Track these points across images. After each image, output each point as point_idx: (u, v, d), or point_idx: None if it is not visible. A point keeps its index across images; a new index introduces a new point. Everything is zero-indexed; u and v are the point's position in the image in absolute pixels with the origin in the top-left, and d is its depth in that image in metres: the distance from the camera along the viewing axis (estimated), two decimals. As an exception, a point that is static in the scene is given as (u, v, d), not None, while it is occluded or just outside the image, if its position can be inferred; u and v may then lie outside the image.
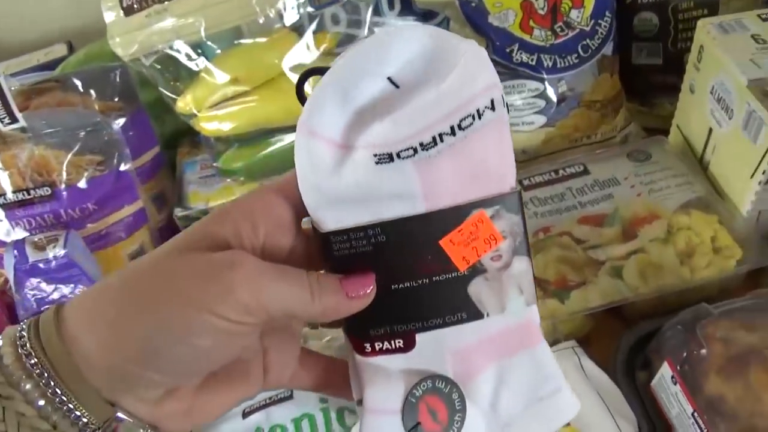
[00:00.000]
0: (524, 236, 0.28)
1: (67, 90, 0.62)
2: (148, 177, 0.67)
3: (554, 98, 0.62)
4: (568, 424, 0.42)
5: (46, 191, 0.57)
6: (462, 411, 0.29)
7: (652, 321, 0.49)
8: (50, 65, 0.78)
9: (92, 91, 0.62)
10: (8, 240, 0.57)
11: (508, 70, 0.62)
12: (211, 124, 0.62)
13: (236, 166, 0.65)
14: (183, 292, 0.25)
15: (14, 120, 0.54)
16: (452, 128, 0.26)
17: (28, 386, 0.25)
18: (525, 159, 0.65)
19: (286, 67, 0.60)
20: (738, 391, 0.40)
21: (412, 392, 0.29)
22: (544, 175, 0.60)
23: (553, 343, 0.48)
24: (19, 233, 0.57)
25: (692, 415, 0.41)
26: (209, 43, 0.59)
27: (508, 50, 0.61)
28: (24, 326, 0.26)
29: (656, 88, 0.69)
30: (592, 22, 0.62)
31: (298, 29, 0.60)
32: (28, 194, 0.57)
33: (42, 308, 0.54)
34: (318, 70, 0.27)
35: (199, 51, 0.59)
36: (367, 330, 0.29)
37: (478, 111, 0.26)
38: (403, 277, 0.28)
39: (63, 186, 0.57)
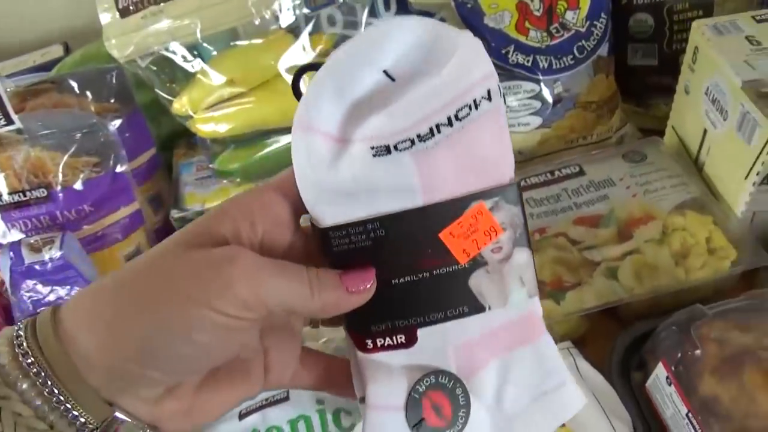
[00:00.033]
0: (524, 227, 0.28)
1: (63, 91, 0.62)
2: (145, 178, 0.67)
3: (550, 99, 0.62)
4: (564, 425, 0.42)
5: (42, 193, 0.57)
6: (466, 406, 0.29)
7: (647, 322, 0.49)
8: (46, 66, 0.78)
9: (88, 93, 0.62)
10: (4, 242, 0.57)
11: (503, 71, 0.62)
12: (207, 126, 0.62)
13: (232, 167, 0.65)
14: (181, 289, 0.25)
15: (10, 121, 0.54)
16: (449, 119, 0.26)
17: (24, 386, 0.24)
18: (521, 160, 0.65)
19: (282, 68, 0.60)
20: (732, 391, 0.40)
21: (415, 388, 0.28)
22: (540, 176, 0.60)
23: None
24: (15, 235, 0.57)
25: (687, 415, 0.41)
26: (205, 44, 0.59)
27: (503, 51, 0.61)
28: (21, 326, 0.26)
29: (652, 89, 0.69)
30: (588, 23, 0.62)
31: (294, 31, 0.60)
32: (24, 196, 0.57)
33: (38, 310, 0.53)
34: (313, 66, 0.27)
35: (195, 52, 0.59)
36: (368, 326, 0.28)
37: (474, 101, 0.26)
38: (404, 272, 0.28)
39: (59, 188, 0.57)
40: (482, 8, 0.61)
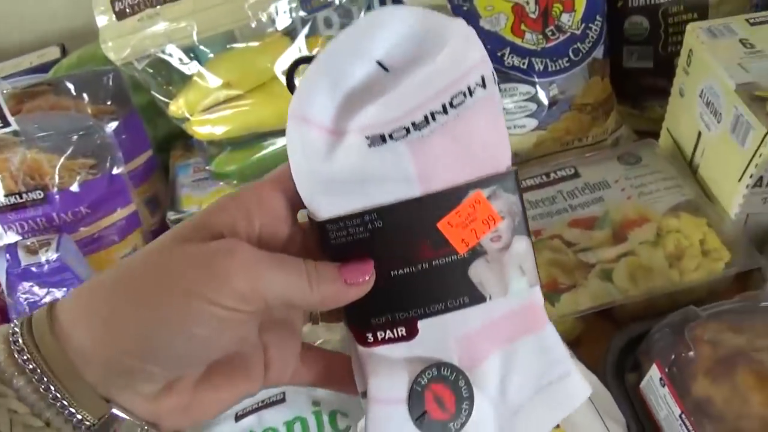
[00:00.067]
0: (523, 216, 0.28)
1: (60, 93, 0.62)
2: (141, 180, 0.67)
3: (546, 101, 0.63)
4: (558, 426, 0.43)
5: (38, 195, 0.57)
6: (469, 399, 0.28)
7: (642, 323, 0.49)
8: (43, 68, 0.78)
9: (85, 95, 0.62)
10: (0, 244, 0.57)
11: (499, 73, 0.61)
12: (203, 128, 0.62)
13: (229, 169, 0.65)
14: (178, 282, 0.24)
15: (6, 124, 0.54)
16: (444, 107, 0.26)
17: (20, 383, 0.24)
18: (517, 162, 0.65)
19: (279, 71, 0.61)
20: (725, 392, 0.40)
21: (417, 380, 0.28)
22: (536, 178, 0.60)
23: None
24: (12, 237, 0.57)
25: (680, 416, 0.42)
26: (202, 47, 0.59)
27: (499, 54, 0.61)
28: (17, 323, 0.26)
29: (647, 91, 0.69)
30: (583, 25, 0.62)
31: (290, 33, 0.60)
32: (21, 198, 0.57)
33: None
34: (307, 59, 0.27)
35: (192, 55, 0.59)
36: (368, 319, 0.28)
37: (469, 88, 0.26)
38: (402, 263, 0.27)
39: (55, 190, 0.57)
40: (478, 11, 0.61)
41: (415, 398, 0.28)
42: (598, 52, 0.63)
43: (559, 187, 0.59)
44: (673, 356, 0.43)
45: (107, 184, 0.59)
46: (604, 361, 0.49)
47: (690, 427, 0.41)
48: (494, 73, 0.27)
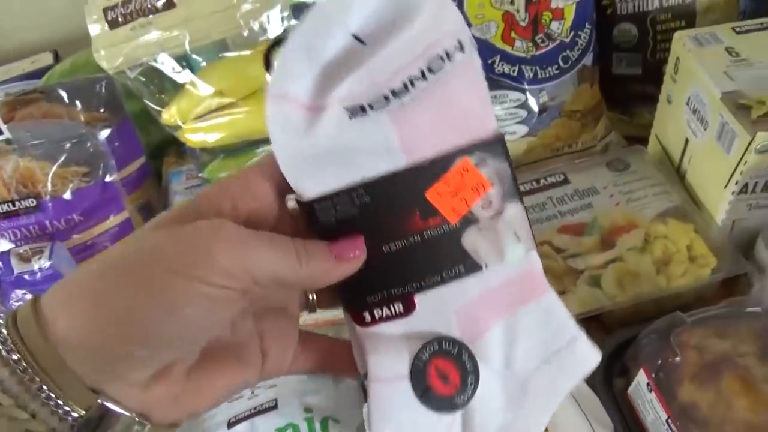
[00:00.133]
0: (513, 181, 0.27)
1: (53, 101, 0.63)
2: (134, 187, 0.67)
3: (536, 108, 0.63)
4: (546, 429, 0.43)
5: (31, 203, 0.57)
6: (474, 372, 0.28)
7: (630, 329, 0.50)
8: (36, 74, 0.78)
9: (77, 102, 0.63)
10: (-7, 252, 0.57)
11: (489, 81, 0.61)
12: (196, 136, 0.62)
13: (222, 176, 0.65)
14: (163, 262, 0.24)
15: (-1, 132, 0.55)
16: (422, 72, 0.25)
17: (4, 374, 0.24)
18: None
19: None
20: (710, 398, 0.41)
21: (419, 356, 0.28)
22: (526, 184, 0.60)
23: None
24: (4, 245, 0.58)
25: (666, 421, 0.42)
26: (194, 56, 0.59)
27: (489, 61, 0.62)
28: (1, 317, 0.25)
29: (636, 97, 0.70)
30: (572, 33, 0.63)
31: (282, 42, 0.61)
32: (13, 206, 0.57)
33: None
34: (283, 42, 0.26)
35: (184, 64, 0.60)
36: (364, 298, 0.28)
37: (447, 53, 0.26)
38: (394, 237, 0.27)
39: (48, 197, 0.57)
40: (468, 19, 0.62)
41: (417, 374, 0.28)
42: (588, 60, 0.64)
43: (549, 193, 0.59)
44: (659, 362, 0.44)
45: (100, 192, 0.60)
46: (592, 366, 0.49)
47: (676, 432, 0.42)
48: (472, 37, 0.27)
